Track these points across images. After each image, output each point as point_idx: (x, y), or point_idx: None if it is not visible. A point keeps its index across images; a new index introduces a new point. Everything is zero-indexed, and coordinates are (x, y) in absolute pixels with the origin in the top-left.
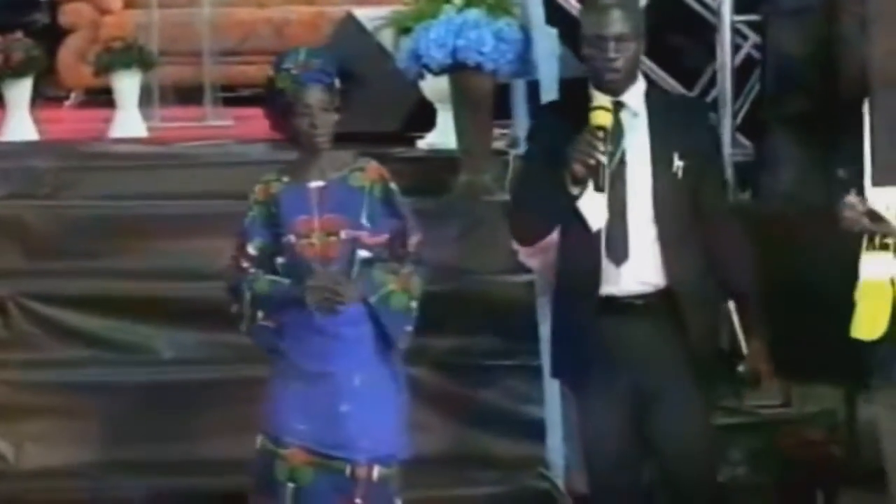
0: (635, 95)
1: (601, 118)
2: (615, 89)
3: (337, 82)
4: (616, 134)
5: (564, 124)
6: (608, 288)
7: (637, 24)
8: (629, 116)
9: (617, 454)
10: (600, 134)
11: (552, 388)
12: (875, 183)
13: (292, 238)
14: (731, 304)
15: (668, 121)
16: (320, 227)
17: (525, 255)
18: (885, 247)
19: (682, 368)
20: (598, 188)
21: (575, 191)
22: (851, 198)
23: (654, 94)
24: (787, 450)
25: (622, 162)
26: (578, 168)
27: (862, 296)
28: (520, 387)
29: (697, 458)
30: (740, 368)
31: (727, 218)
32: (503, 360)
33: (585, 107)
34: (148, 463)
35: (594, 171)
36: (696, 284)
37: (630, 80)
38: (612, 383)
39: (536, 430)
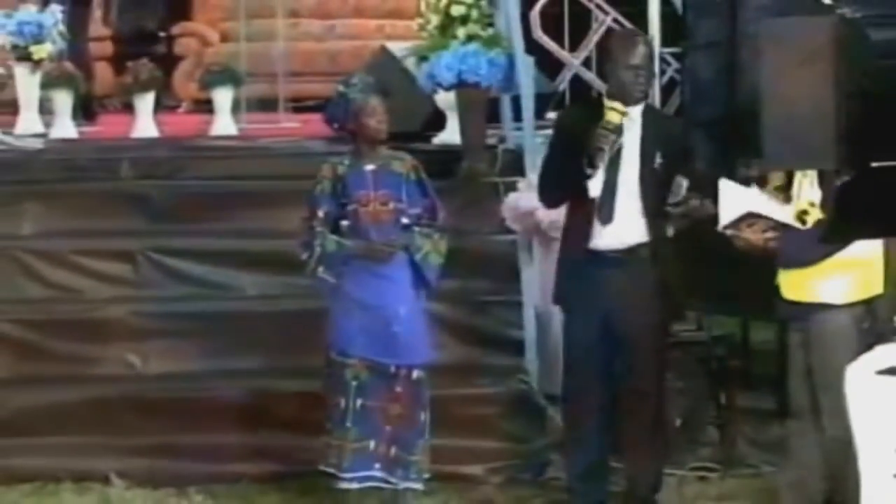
0: (638, 109)
1: (611, 115)
2: (632, 102)
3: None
4: (618, 133)
5: (580, 121)
6: (597, 242)
7: (652, 58)
8: (628, 122)
9: (593, 362)
10: (610, 126)
11: (529, 317)
12: (765, 168)
13: (356, 206)
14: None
15: (656, 130)
16: (375, 199)
17: (510, 222)
18: None
19: (646, 301)
20: (594, 165)
21: (590, 171)
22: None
23: (650, 111)
24: (699, 362)
25: (619, 153)
26: (592, 153)
27: None
28: (506, 316)
29: (654, 352)
30: None
31: None
32: (494, 296)
33: (595, 110)
34: (239, 371)
35: (598, 153)
36: (664, 244)
37: (644, 98)
38: (594, 310)
39: (518, 348)
